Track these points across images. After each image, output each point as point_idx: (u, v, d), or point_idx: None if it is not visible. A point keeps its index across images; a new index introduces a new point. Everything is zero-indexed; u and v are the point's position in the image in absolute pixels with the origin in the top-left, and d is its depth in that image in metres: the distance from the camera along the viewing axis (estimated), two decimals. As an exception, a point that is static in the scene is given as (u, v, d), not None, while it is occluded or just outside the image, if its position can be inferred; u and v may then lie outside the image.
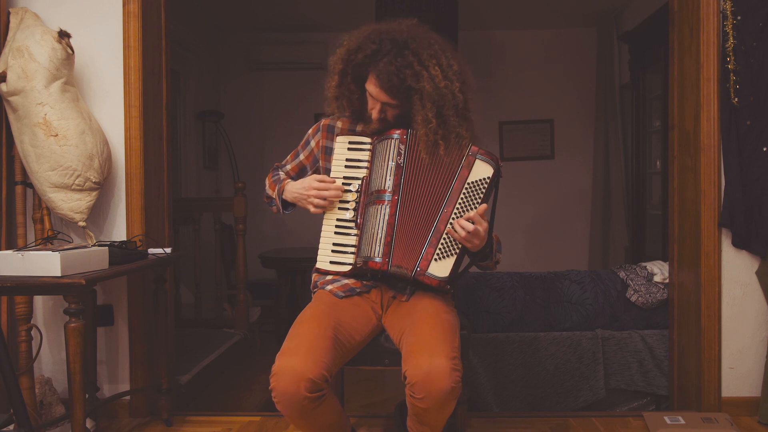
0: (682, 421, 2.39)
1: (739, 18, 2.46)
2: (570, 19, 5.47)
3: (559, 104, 5.75)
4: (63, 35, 2.36)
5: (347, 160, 1.90)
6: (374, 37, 1.78)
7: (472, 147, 1.82)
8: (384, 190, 1.81)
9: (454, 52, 1.84)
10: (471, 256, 1.86)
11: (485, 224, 1.76)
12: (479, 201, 1.79)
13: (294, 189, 1.94)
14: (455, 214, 1.78)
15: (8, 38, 2.40)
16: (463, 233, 1.74)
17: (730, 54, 2.47)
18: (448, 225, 1.78)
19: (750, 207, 2.49)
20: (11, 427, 1.91)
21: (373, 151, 1.87)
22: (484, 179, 1.80)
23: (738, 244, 2.53)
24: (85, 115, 2.40)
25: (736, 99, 2.47)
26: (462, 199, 1.79)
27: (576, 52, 5.70)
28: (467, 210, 1.78)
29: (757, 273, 2.54)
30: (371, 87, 1.80)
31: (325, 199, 1.86)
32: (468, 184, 1.80)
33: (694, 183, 2.59)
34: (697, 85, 2.54)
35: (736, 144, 2.49)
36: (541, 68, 5.72)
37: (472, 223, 1.74)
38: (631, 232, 4.94)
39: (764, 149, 2.47)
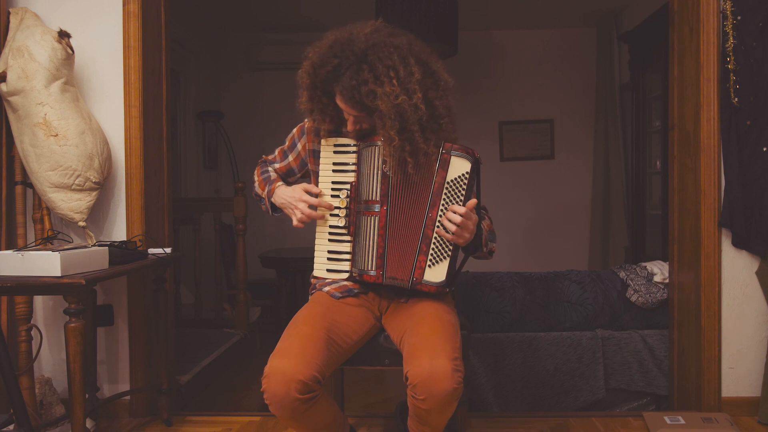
0: (682, 421, 2.39)
1: (739, 18, 2.46)
2: (570, 19, 5.47)
3: (559, 104, 5.75)
4: (63, 35, 2.36)
5: (334, 164, 1.89)
6: (336, 49, 1.72)
7: (445, 144, 1.77)
8: (374, 201, 1.81)
9: (422, 54, 1.74)
10: (463, 251, 1.86)
11: (475, 218, 1.76)
12: (462, 196, 1.76)
13: (284, 195, 1.92)
14: (440, 216, 1.76)
15: (8, 38, 2.40)
16: (453, 228, 1.72)
17: (730, 54, 2.47)
18: (436, 228, 1.76)
19: (750, 207, 2.49)
20: (11, 427, 1.91)
21: (359, 155, 1.85)
22: (464, 175, 1.76)
23: (738, 244, 2.53)
24: (85, 115, 2.40)
25: (736, 99, 2.47)
26: (445, 199, 1.76)
27: (576, 52, 5.70)
28: None
29: (757, 273, 2.54)
30: (339, 102, 1.76)
31: (309, 216, 1.84)
32: (448, 183, 1.76)
33: (694, 183, 2.59)
34: (697, 85, 2.54)
35: (736, 144, 2.49)
36: (541, 68, 5.72)
37: (461, 216, 1.72)
38: (631, 232, 4.94)
39: (764, 149, 2.47)
